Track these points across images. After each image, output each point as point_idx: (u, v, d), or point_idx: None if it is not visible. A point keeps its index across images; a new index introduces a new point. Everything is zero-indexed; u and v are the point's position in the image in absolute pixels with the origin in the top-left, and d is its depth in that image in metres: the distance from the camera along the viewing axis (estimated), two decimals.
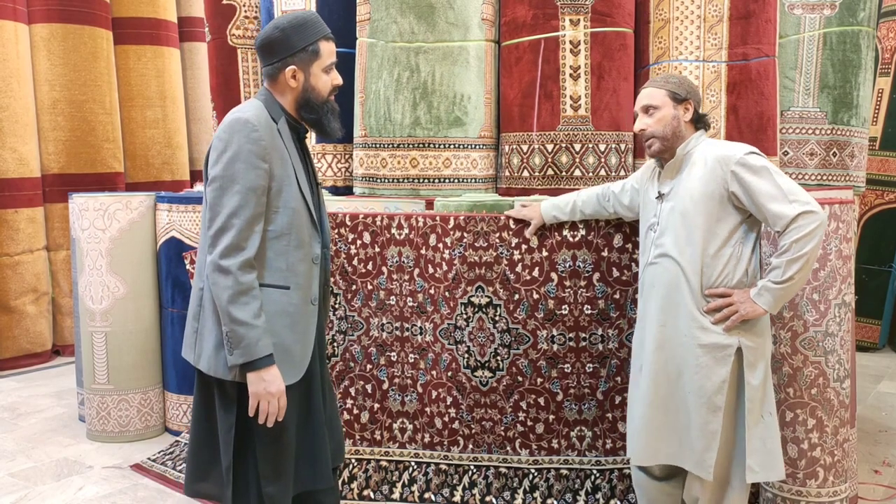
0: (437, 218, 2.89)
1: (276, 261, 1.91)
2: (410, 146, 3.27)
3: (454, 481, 2.92)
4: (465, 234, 2.84)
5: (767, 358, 2.25)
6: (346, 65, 3.53)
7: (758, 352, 2.21)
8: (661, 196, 2.33)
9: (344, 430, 2.97)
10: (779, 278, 2.10)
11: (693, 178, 2.23)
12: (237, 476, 1.95)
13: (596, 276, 2.79)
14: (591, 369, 2.82)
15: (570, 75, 3.21)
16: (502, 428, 2.87)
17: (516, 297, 2.83)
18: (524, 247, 2.81)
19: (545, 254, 2.80)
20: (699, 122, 2.31)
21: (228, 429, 1.94)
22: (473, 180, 3.33)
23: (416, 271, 2.93)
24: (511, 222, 2.81)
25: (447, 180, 3.28)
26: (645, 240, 2.40)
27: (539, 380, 2.84)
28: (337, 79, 2.05)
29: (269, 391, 1.85)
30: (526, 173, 3.28)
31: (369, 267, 2.95)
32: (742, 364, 2.20)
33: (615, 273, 2.79)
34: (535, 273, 2.82)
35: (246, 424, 1.94)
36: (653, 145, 2.31)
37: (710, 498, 2.29)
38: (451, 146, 3.28)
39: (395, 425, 2.98)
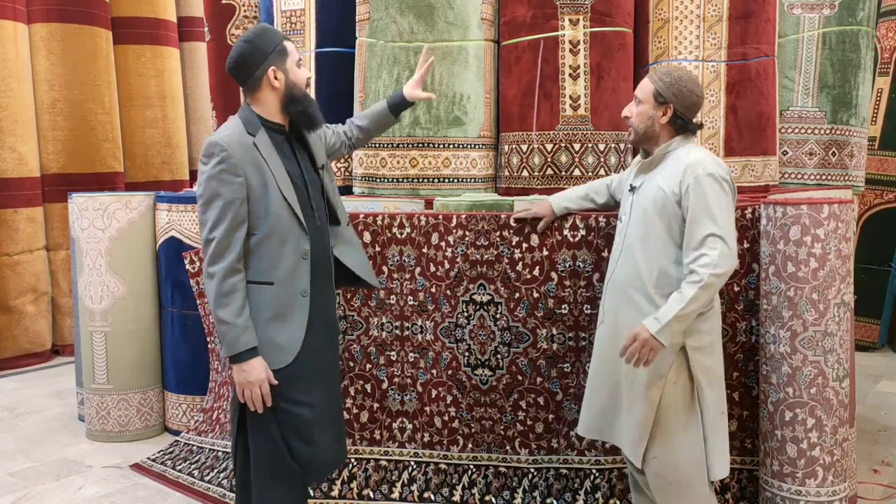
0: (440, 217, 2.89)
1: (260, 261, 2.10)
2: (410, 146, 3.27)
3: (454, 481, 2.92)
4: (467, 233, 2.85)
5: (717, 361, 2.29)
6: (345, 65, 3.53)
7: (703, 352, 2.24)
8: (632, 189, 2.37)
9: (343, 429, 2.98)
10: (677, 310, 2.09)
11: (661, 179, 2.26)
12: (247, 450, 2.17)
13: (595, 276, 2.79)
14: None
15: (570, 75, 3.21)
16: (502, 427, 2.88)
17: (517, 295, 2.83)
18: (525, 245, 2.82)
19: (545, 253, 2.81)
20: (683, 127, 2.29)
21: (235, 409, 2.17)
22: (473, 180, 3.33)
23: (418, 270, 2.93)
24: (511, 220, 2.81)
25: (446, 180, 3.28)
26: (617, 230, 2.45)
27: (539, 379, 2.84)
28: (307, 72, 2.27)
29: (248, 380, 2.05)
30: (525, 173, 3.28)
31: None
32: (689, 364, 2.23)
33: None
34: (536, 272, 2.82)
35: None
36: (630, 134, 2.38)
37: (672, 495, 2.29)
38: (451, 146, 3.28)
39: (394, 425, 2.98)
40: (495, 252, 2.83)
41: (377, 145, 3.30)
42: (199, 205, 2.09)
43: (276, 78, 2.14)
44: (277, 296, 2.11)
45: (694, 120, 2.31)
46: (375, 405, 2.99)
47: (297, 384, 2.13)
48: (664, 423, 2.24)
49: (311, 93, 3.51)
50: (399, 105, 2.54)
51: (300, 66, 2.21)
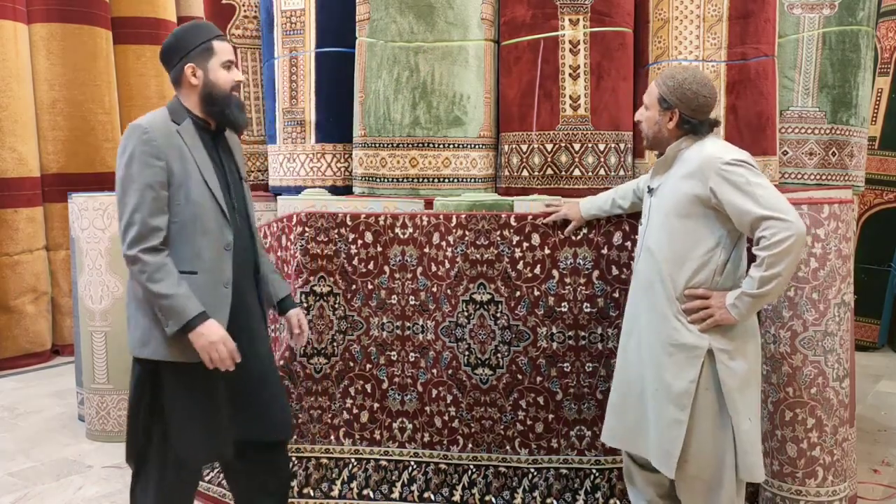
0: (441, 216, 2.90)
1: (182, 249, 2.09)
2: (410, 146, 3.27)
3: (454, 481, 2.92)
4: (467, 233, 2.85)
5: (750, 361, 2.21)
6: (345, 64, 3.53)
7: (733, 354, 2.18)
8: (650, 190, 2.35)
9: (344, 429, 2.98)
10: (753, 290, 2.09)
11: (678, 178, 2.22)
12: (147, 446, 2.16)
13: (595, 273, 2.80)
14: (590, 369, 2.83)
15: (570, 75, 3.21)
16: (502, 427, 2.88)
17: (517, 293, 2.83)
18: (525, 244, 2.82)
19: (547, 251, 2.81)
20: (692, 129, 2.23)
21: (136, 404, 2.16)
22: (473, 180, 3.33)
23: (420, 269, 2.93)
24: (512, 219, 2.82)
25: (446, 180, 3.28)
26: (638, 233, 2.43)
27: (539, 378, 2.84)
28: (238, 76, 2.21)
29: (211, 341, 2.04)
30: (525, 173, 3.28)
31: (370, 266, 2.96)
32: (716, 367, 2.17)
33: (614, 271, 2.79)
34: (537, 270, 2.82)
35: (158, 402, 2.13)
36: (644, 140, 2.37)
37: (699, 497, 2.26)
38: (451, 146, 3.28)
39: (394, 425, 2.98)
40: (495, 251, 2.84)
41: (377, 145, 3.30)
42: (118, 188, 2.07)
43: (193, 75, 2.15)
44: (201, 285, 2.09)
45: (710, 116, 2.25)
46: (375, 405, 2.99)
47: (204, 377, 2.12)
48: (698, 426, 2.19)
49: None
50: (279, 303, 2.45)
51: (230, 68, 2.18)
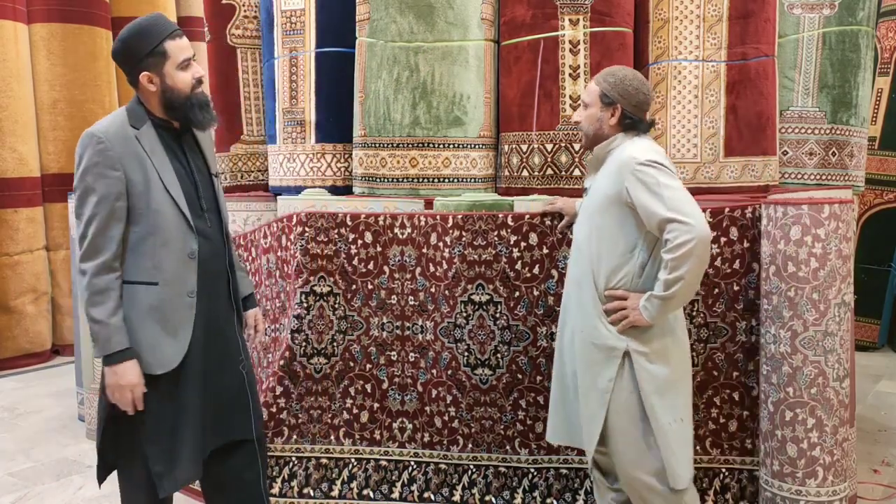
0: (438, 217, 2.90)
1: (142, 259, 2.03)
2: (410, 146, 3.27)
3: (454, 481, 2.92)
4: (464, 233, 2.85)
5: (672, 365, 2.22)
6: (345, 64, 3.53)
7: (651, 357, 2.19)
8: (585, 190, 2.39)
9: (344, 429, 2.98)
10: (660, 293, 2.11)
11: (603, 178, 2.25)
12: (130, 459, 2.13)
13: None
14: None
15: (570, 75, 3.21)
16: (502, 427, 2.88)
17: (516, 294, 2.83)
18: (523, 244, 2.82)
19: (546, 251, 2.81)
20: (632, 126, 2.27)
21: (102, 410, 2.11)
22: (473, 180, 3.33)
23: (418, 270, 2.93)
24: (509, 219, 2.82)
25: (446, 180, 3.28)
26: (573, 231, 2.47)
27: (538, 378, 2.84)
28: (198, 72, 2.11)
29: (119, 384, 1.99)
30: (525, 173, 3.28)
31: (370, 266, 2.96)
32: (635, 368, 2.19)
33: None
34: (536, 270, 2.82)
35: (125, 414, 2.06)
36: (582, 139, 2.40)
37: (639, 496, 2.27)
38: (451, 146, 3.28)
39: (394, 425, 2.98)
40: (493, 252, 2.84)
41: (377, 145, 3.30)
42: (75, 199, 2.02)
43: (150, 83, 2.06)
44: (162, 296, 2.03)
45: (646, 118, 2.29)
46: (375, 405, 2.99)
47: (173, 390, 2.06)
48: (621, 427, 2.22)
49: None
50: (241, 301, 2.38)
51: (186, 67, 2.08)
